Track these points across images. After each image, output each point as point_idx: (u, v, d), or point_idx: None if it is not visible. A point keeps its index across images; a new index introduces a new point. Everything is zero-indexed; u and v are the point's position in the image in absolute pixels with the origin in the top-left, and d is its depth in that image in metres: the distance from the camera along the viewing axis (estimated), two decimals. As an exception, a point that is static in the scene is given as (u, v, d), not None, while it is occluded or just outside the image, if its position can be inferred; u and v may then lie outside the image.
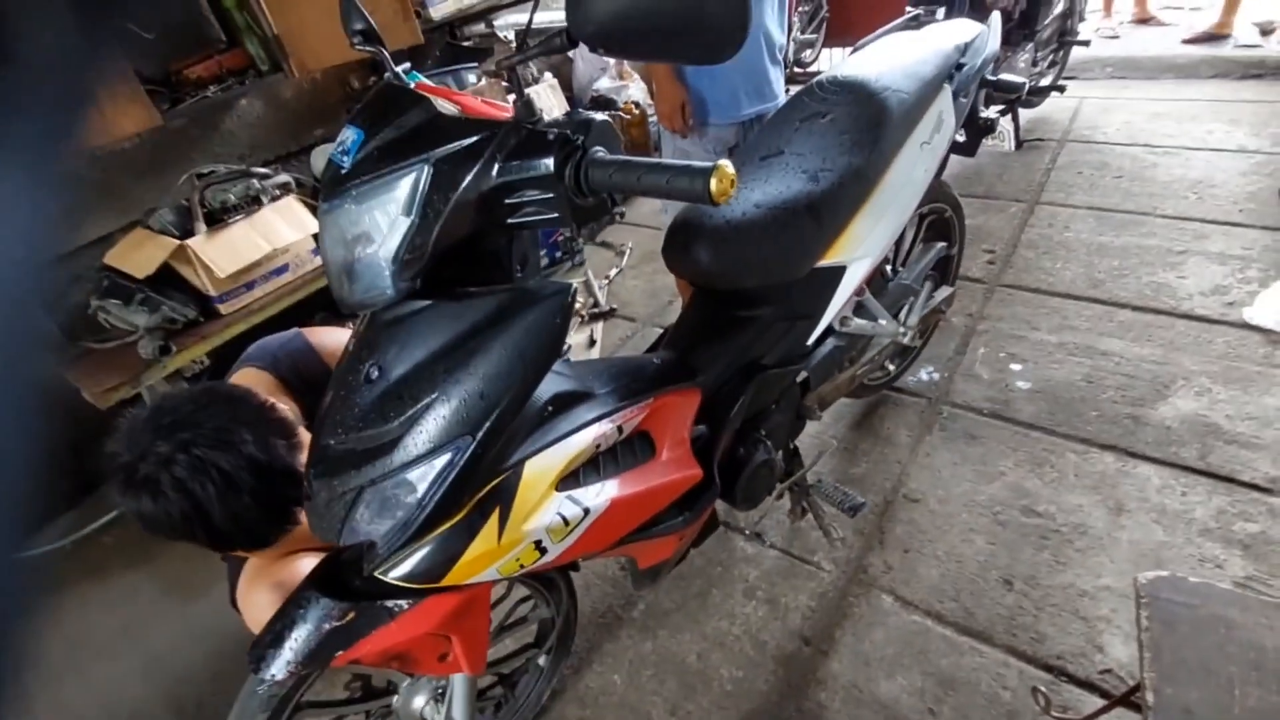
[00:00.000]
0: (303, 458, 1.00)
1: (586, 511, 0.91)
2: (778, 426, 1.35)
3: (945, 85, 1.36)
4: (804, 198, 1.15)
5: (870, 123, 1.20)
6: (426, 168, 0.68)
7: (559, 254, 2.98)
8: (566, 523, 0.89)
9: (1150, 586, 0.85)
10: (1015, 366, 2.03)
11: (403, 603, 0.86)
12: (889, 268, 1.69)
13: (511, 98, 0.72)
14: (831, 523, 1.48)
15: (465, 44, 2.92)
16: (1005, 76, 1.52)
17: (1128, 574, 1.41)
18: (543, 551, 0.89)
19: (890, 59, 1.34)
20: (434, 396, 0.75)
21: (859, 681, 1.36)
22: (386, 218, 0.70)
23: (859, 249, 1.23)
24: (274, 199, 2.15)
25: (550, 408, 0.92)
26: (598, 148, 0.66)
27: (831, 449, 1.45)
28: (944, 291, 1.74)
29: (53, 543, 2.15)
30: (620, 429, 1.01)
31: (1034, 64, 3.13)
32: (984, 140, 1.70)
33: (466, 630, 0.97)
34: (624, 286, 2.84)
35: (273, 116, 2.60)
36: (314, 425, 0.86)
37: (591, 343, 2.46)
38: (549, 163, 0.65)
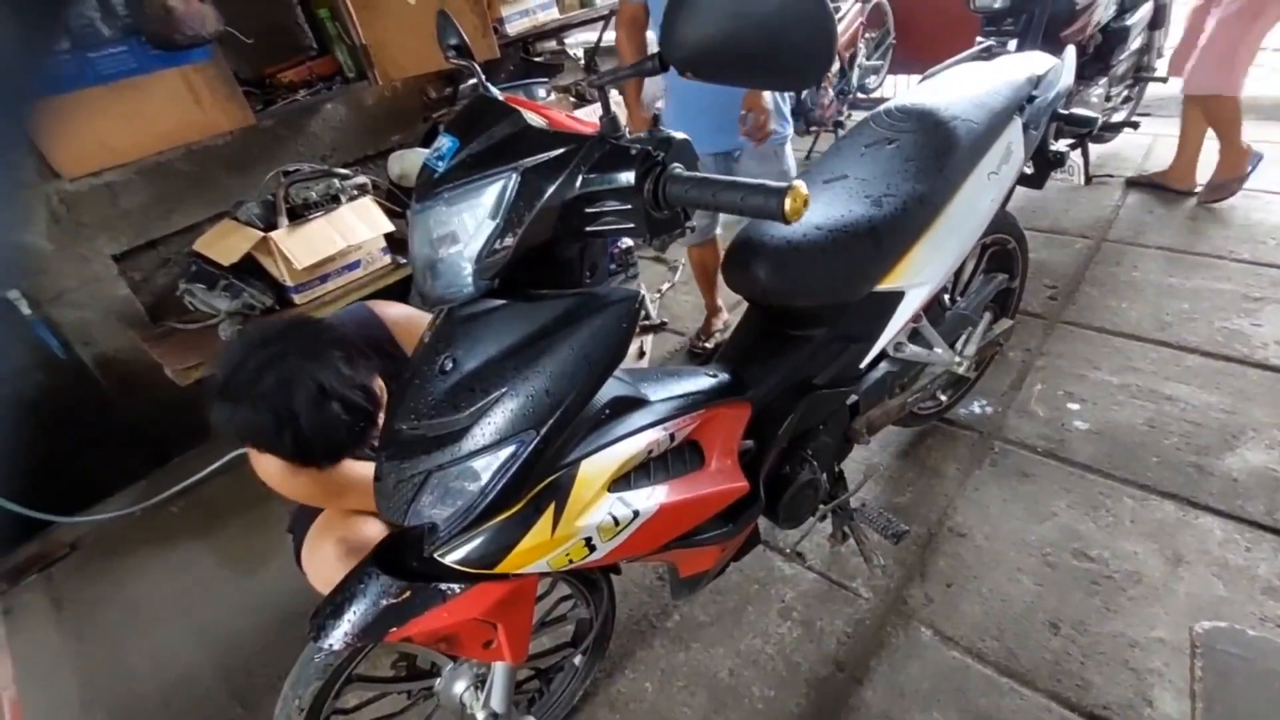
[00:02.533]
0: (376, 388, 1.08)
1: (636, 514, 0.94)
2: (824, 447, 1.35)
3: (1016, 117, 1.35)
4: (865, 221, 1.16)
5: (937, 150, 1.21)
6: (515, 176, 0.73)
7: (614, 266, 3.05)
8: (616, 523, 0.92)
9: (1207, 637, 0.83)
10: (1073, 406, 1.98)
11: (455, 587, 0.91)
12: (947, 296, 1.68)
13: (597, 113, 0.76)
14: (874, 550, 1.47)
15: (537, 59, 3.04)
16: (1078, 111, 1.51)
17: (1183, 627, 1.36)
18: (591, 549, 0.92)
19: (960, 89, 1.35)
20: (503, 391, 0.80)
21: (892, 713, 1.34)
22: (474, 220, 0.75)
23: (918, 275, 1.24)
24: (352, 198, 2.27)
25: (608, 410, 0.96)
26: (676, 164, 0.70)
27: (877, 474, 1.44)
28: (1003, 324, 1.71)
29: (124, 509, 2.30)
30: (672, 436, 1.04)
31: (1107, 98, 3.06)
32: (1052, 174, 1.68)
33: (512, 620, 1.01)
34: (675, 301, 2.87)
35: (355, 121, 2.74)
36: (387, 409, 0.92)
37: (641, 354, 2.50)
38: (630, 176, 0.69)
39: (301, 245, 2.08)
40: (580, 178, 0.73)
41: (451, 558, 0.86)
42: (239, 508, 2.19)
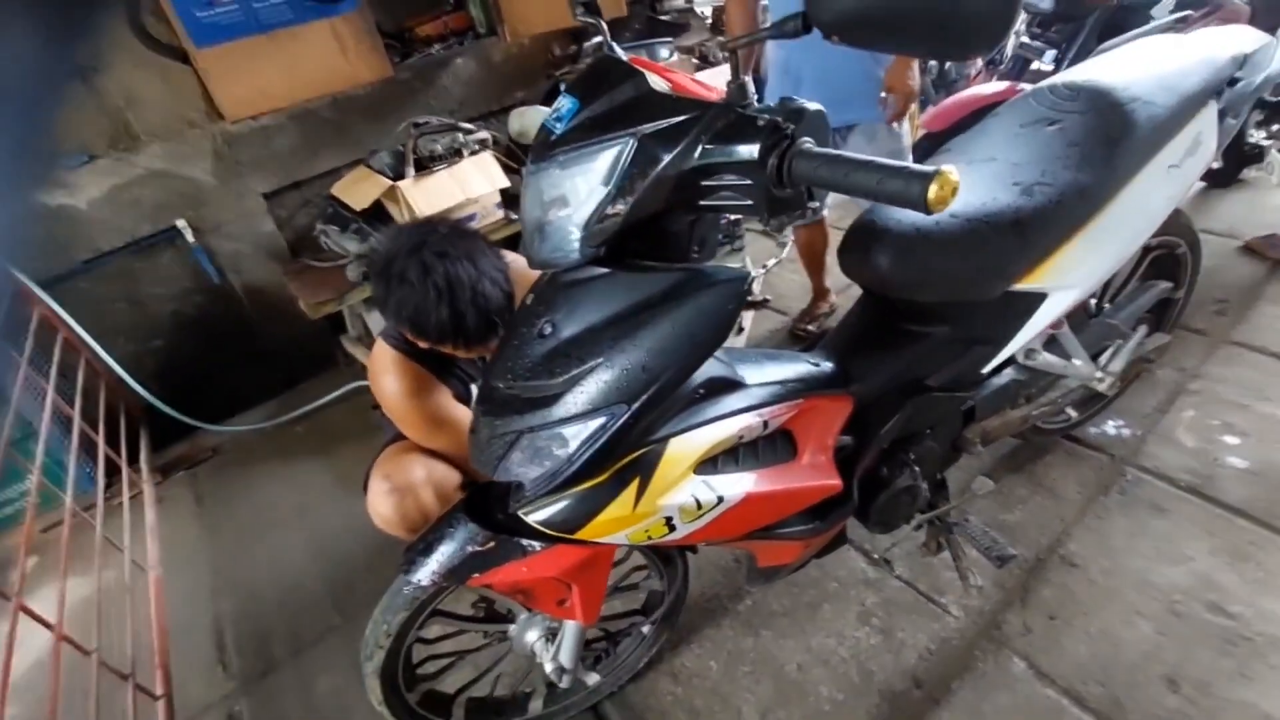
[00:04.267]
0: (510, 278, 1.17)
1: (720, 499, 0.92)
2: (929, 453, 1.26)
3: (1211, 102, 1.16)
4: (1010, 212, 1.04)
5: (1108, 136, 1.06)
6: (632, 142, 0.71)
7: (720, 237, 2.98)
8: (699, 506, 0.91)
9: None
10: (1230, 439, 1.73)
11: (536, 544, 0.93)
12: (1095, 301, 1.50)
13: (724, 77, 0.71)
14: (970, 568, 1.37)
15: (664, 18, 2.96)
16: (1293, 97, 1.27)
17: (1341, 712, 1.17)
18: (671, 529, 0.91)
19: (1145, 65, 1.16)
20: (599, 361, 0.79)
21: (970, 741, 1.26)
22: (586, 185, 0.73)
23: (1067, 278, 1.10)
24: (473, 153, 2.34)
25: (702, 390, 0.93)
26: (806, 139, 0.65)
27: (988, 489, 1.33)
28: (1157, 339, 1.51)
29: (258, 423, 2.56)
30: (766, 424, 1.00)
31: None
32: (1246, 170, 1.44)
33: (586, 583, 1.02)
34: (780, 279, 2.77)
35: (483, 76, 2.81)
36: (486, 365, 0.94)
37: (739, 330, 2.44)
38: (754, 149, 0.65)
39: (424, 195, 2.17)
40: (700, 148, 0.69)
41: (535, 518, 0.88)
42: (354, 435, 2.37)
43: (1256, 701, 1.23)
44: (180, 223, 2.39)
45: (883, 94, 1.65)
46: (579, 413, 0.80)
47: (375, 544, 1.92)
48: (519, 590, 1.03)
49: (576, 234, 0.76)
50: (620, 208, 0.73)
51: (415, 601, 1.04)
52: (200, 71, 2.23)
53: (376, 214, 2.26)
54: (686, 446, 0.91)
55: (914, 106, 3.03)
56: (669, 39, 2.78)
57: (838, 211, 2.75)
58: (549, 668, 1.16)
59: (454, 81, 2.78)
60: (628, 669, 1.40)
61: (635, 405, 0.79)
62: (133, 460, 2.27)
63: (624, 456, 0.86)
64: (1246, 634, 1.33)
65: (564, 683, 1.18)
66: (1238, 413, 1.80)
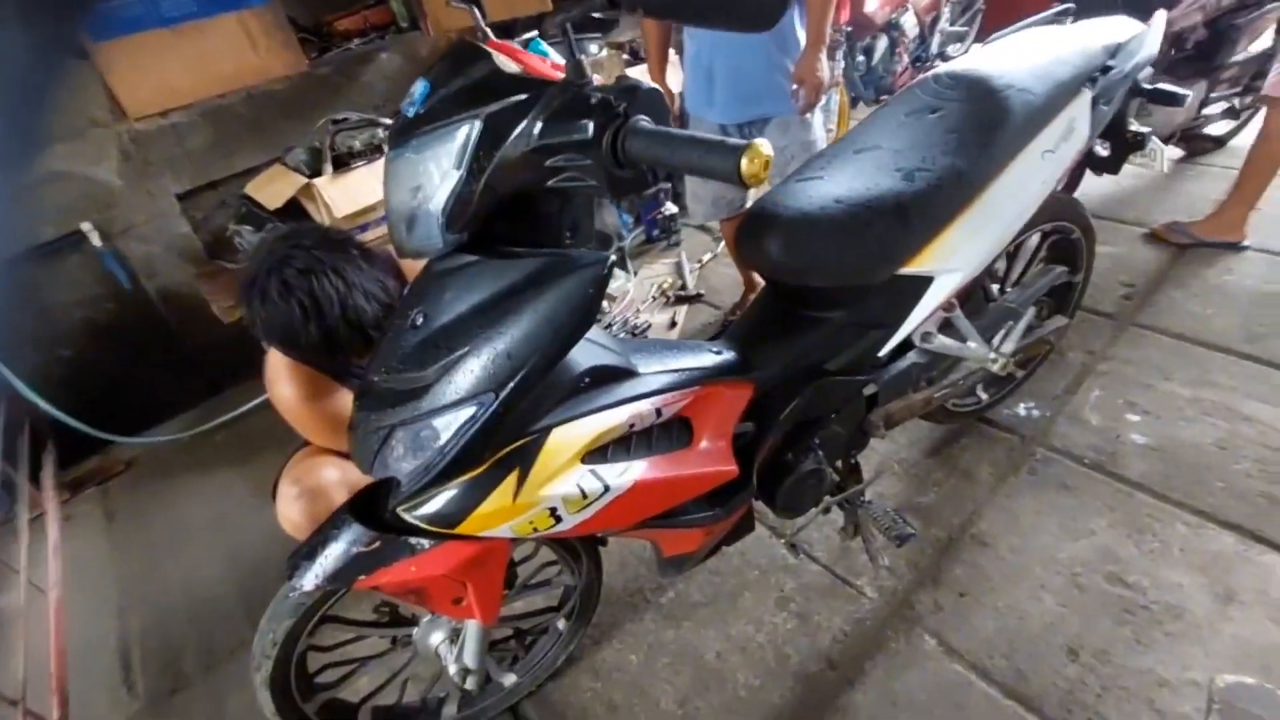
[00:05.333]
0: (392, 286, 1.13)
1: (606, 488, 0.91)
2: (834, 437, 1.28)
3: (1084, 89, 1.20)
4: (893, 197, 1.06)
5: (984, 123, 1.09)
6: (477, 123, 0.69)
7: (657, 232, 2.98)
8: (584, 495, 0.89)
9: (1228, 692, 0.73)
10: (1133, 417, 1.80)
11: (425, 542, 0.90)
12: (996, 287, 1.54)
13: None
14: (880, 549, 1.39)
15: (593, 15, 2.95)
16: (1164, 85, 1.32)
17: (1223, 673, 1.23)
18: (557, 519, 0.90)
19: (1023, 55, 1.20)
20: (465, 350, 0.77)
21: None
22: (439, 169, 0.72)
23: (951, 260, 1.13)
24: (393, 149, 2.28)
25: (588, 379, 0.92)
26: (641, 117, 0.64)
27: (900, 470, 1.36)
28: (1056, 322, 1.56)
29: (175, 434, 2.45)
30: (659, 412, 0.99)
31: (1202, 105, 2.59)
32: (1130, 158, 1.50)
33: (481, 580, 1.00)
34: (715, 273, 2.79)
35: (408, 71, 2.75)
36: (369, 360, 0.92)
37: (673, 324, 2.44)
38: (588, 126, 0.64)
39: (343, 193, 2.11)
40: (539, 126, 0.68)
41: (413, 514, 0.85)
42: (275, 442, 2.28)
43: (1153, 667, 1.28)
44: (86, 226, 2.27)
45: (793, 86, 1.67)
46: (449, 402, 0.79)
47: (292, 548, 1.85)
48: (410, 591, 1.00)
49: (437, 221, 0.75)
50: (473, 191, 0.71)
51: (301, 608, 1.01)
52: (100, 67, 2.13)
53: (295, 214, 2.19)
54: (570, 436, 0.89)
55: (843, 99, 3.10)
56: (598, 34, 2.77)
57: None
58: (453, 670, 1.14)
59: (377, 77, 2.71)
60: (545, 667, 1.38)
61: (502, 394, 0.77)
62: (37, 477, 2.15)
63: (501, 447, 0.84)
64: (1143, 603, 1.39)
65: (470, 685, 1.16)
66: (1141, 392, 1.88)
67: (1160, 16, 1.35)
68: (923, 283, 1.14)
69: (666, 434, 1.02)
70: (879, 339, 1.19)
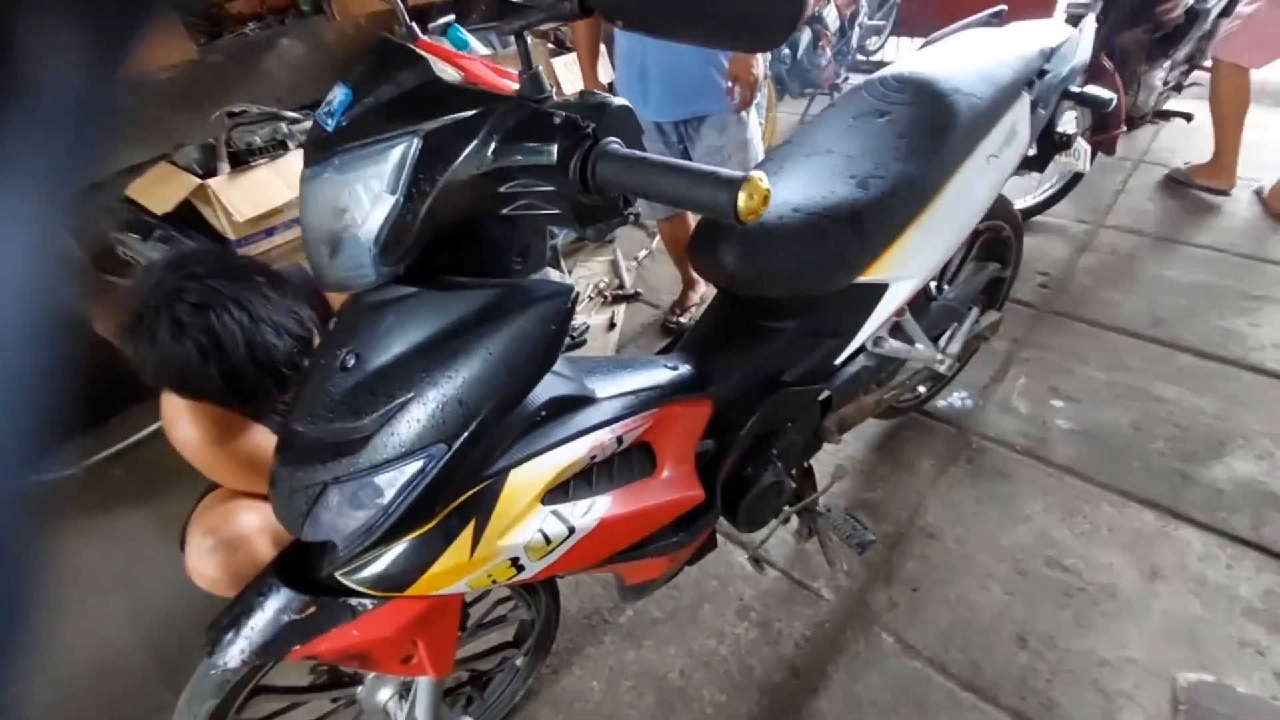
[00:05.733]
0: (306, 317, 1.01)
1: (571, 530, 0.84)
2: (791, 446, 1.26)
3: (1023, 93, 1.22)
4: (848, 205, 1.04)
5: (933, 128, 1.08)
6: (415, 141, 0.60)
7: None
8: (548, 541, 0.82)
9: (1192, 692, 0.75)
10: (1057, 403, 1.90)
11: (367, 602, 0.81)
12: (934, 285, 1.57)
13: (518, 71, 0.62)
14: (837, 552, 1.39)
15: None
16: (1091, 90, 1.37)
17: (1156, 647, 1.30)
18: (519, 569, 0.83)
19: (965, 58, 1.20)
20: (409, 396, 0.68)
21: (847, 724, 1.28)
22: (369, 193, 0.62)
23: (905, 268, 1.12)
24: (300, 145, 2.09)
25: (544, 412, 0.84)
26: (612, 139, 0.57)
27: (845, 475, 1.36)
28: (990, 317, 1.61)
29: (65, 469, 2.17)
30: (620, 439, 0.93)
31: (1164, 83, 2.85)
32: (1056, 157, 1.55)
33: (432, 636, 0.91)
34: (652, 270, 2.74)
35: (312, 60, 2.53)
36: (288, 406, 0.80)
37: (611, 325, 2.38)
38: (552, 150, 0.56)
39: (243, 195, 1.92)
40: (492, 147, 0.59)
41: (355, 580, 0.76)
42: (183, 475, 2.06)
43: (1094, 648, 1.34)
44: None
45: (727, 83, 1.63)
46: (391, 457, 0.69)
47: (211, 603, 1.67)
48: (352, 656, 0.90)
49: (369, 251, 0.65)
50: (412, 220, 0.62)
51: (226, 685, 0.89)
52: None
53: (189, 219, 1.97)
54: (529, 477, 0.82)
55: (770, 94, 3.10)
56: (520, 20, 2.64)
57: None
58: (404, 727, 1.04)
59: (278, 65, 2.48)
60: (504, 704, 1.30)
61: (455, 445, 0.69)
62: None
63: (455, 497, 0.76)
64: (1080, 584, 1.45)
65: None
66: (1063, 378, 1.97)
67: (1089, 21, 1.40)
68: (878, 290, 1.12)
69: (628, 463, 0.96)
70: (835, 347, 1.17)
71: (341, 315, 0.76)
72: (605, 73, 2.06)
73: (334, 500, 0.72)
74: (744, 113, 1.75)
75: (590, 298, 2.53)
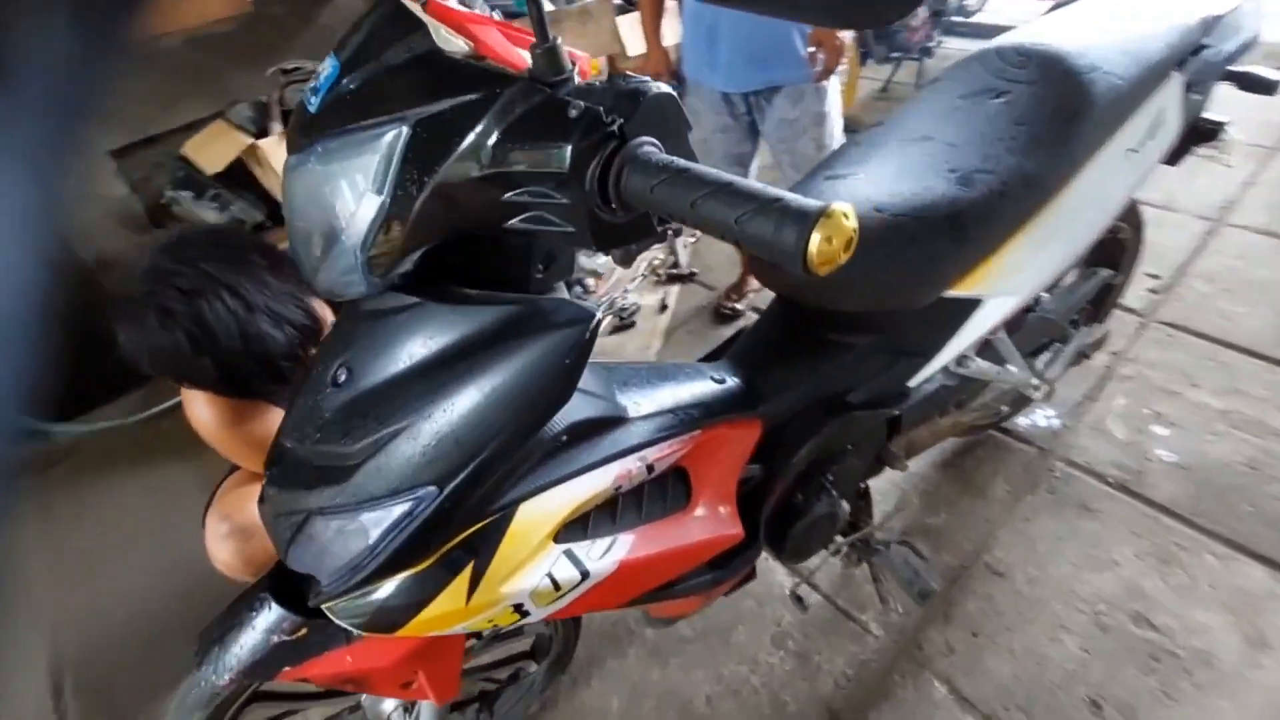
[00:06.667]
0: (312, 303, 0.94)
1: (585, 575, 0.74)
2: (849, 471, 1.12)
3: (1174, 73, 1.00)
4: (946, 204, 0.87)
5: (1062, 114, 0.88)
6: (403, 130, 0.48)
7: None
8: (557, 587, 0.72)
9: None
10: (1160, 430, 1.66)
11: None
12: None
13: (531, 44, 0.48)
14: (890, 591, 1.25)
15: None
16: (1255, 70, 1.12)
17: (1262, 735, 1.12)
18: (524, 614, 0.73)
19: (1105, 28, 0.99)
20: (401, 426, 0.58)
21: (887, 778, 1.16)
22: (353, 191, 0.51)
23: (1008, 282, 0.94)
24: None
25: (565, 437, 0.73)
26: (646, 140, 0.44)
27: (912, 507, 1.22)
28: (1094, 332, 1.40)
29: (117, 420, 2.23)
30: (650, 467, 0.81)
31: None
32: (1194, 149, 1.30)
33: (434, 666, 0.84)
34: (709, 248, 2.57)
35: (369, 13, 2.44)
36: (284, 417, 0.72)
37: (663, 307, 2.25)
38: (565, 152, 0.43)
39: (291, 157, 1.86)
40: (491, 144, 0.47)
41: (339, 617, 0.68)
42: (227, 432, 2.09)
43: (1179, 723, 1.17)
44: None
45: (810, 48, 1.44)
46: (378, 494, 0.60)
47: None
48: (347, 680, 0.83)
49: (356, 259, 0.54)
50: (399, 229, 0.51)
51: (217, 697, 0.84)
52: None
53: (238, 178, 1.93)
54: (541, 511, 0.71)
55: (853, 58, 2.83)
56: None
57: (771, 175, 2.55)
58: (408, 745, 0.99)
59: (338, 19, 2.40)
60: (516, 717, 1.24)
61: (447, 488, 0.59)
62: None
63: (454, 534, 0.66)
64: (1171, 648, 1.27)
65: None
66: (1168, 401, 1.73)
67: None
68: (970, 306, 0.95)
69: (660, 492, 0.85)
70: (911, 367, 1.01)
71: (339, 321, 0.67)
72: (674, 33, 1.87)
73: (318, 532, 0.64)
74: (824, 83, 1.56)
75: (643, 275, 2.39)
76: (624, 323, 2.17)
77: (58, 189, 0.23)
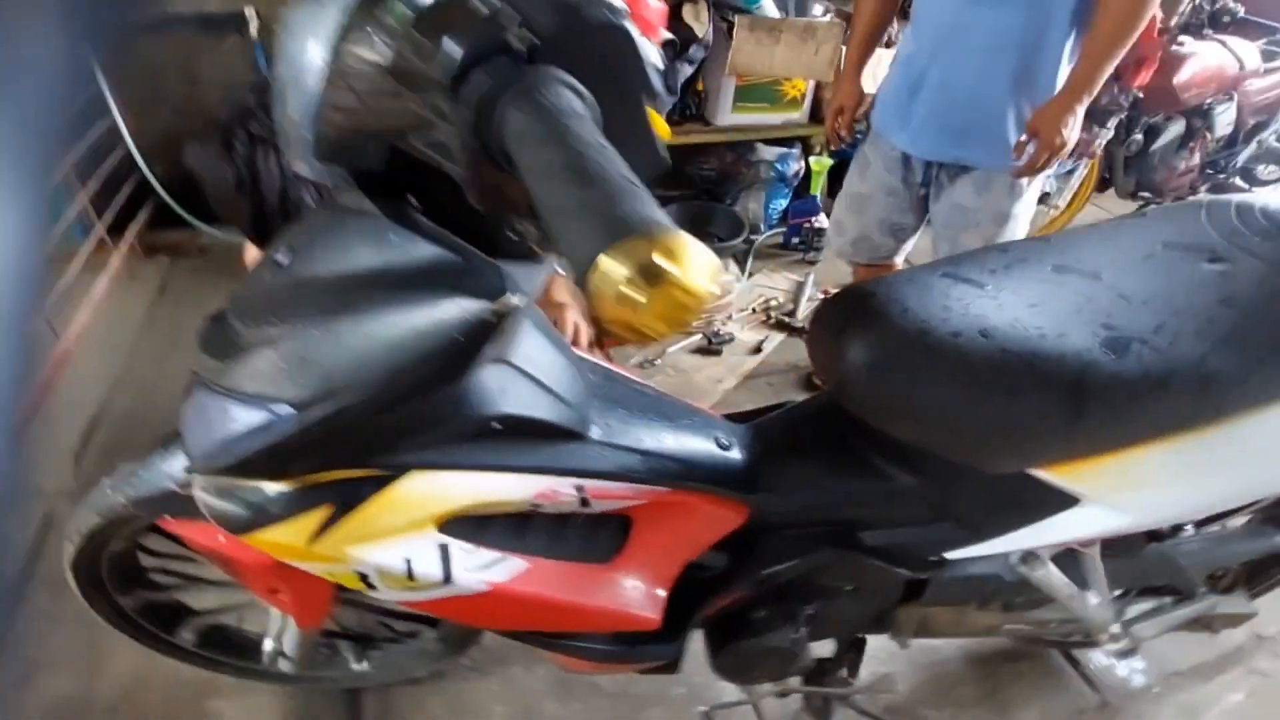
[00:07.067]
0: None
1: (447, 579, 0.64)
2: (836, 616, 0.93)
3: None
4: (1077, 364, 0.66)
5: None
6: None
7: (797, 240, 2.57)
8: (411, 578, 0.63)
9: None
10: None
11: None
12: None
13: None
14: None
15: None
16: None
17: None
18: (370, 588, 0.65)
19: None
20: (284, 332, 0.51)
21: None
22: (303, 51, 0.44)
23: (1124, 495, 0.71)
24: None
25: (497, 425, 0.63)
26: (560, 77, 0.32)
27: (912, 688, 0.99)
28: (1236, 603, 1.07)
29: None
30: (585, 500, 0.69)
31: None
32: None
33: (299, 588, 0.78)
34: (838, 314, 2.35)
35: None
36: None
37: (757, 350, 2.08)
38: (455, 57, 0.32)
39: None
40: (401, 21, 0.37)
41: (197, 496, 0.63)
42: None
43: None
44: (249, 11, 2.24)
45: (1023, 136, 1.21)
46: (245, 391, 0.54)
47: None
48: (219, 560, 0.80)
49: (302, 133, 0.47)
50: (341, 109, 0.43)
51: (112, 513, 0.84)
52: None
53: None
54: (433, 489, 0.62)
55: (1091, 177, 2.44)
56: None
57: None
58: (268, 646, 0.95)
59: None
60: (400, 672, 1.17)
61: (304, 417, 0.51)
62: (123, 229, 2.21)
63: (325, 468, 0.59)
64: None
65: (283, 668, 0.97)
66: None
67: None
68: (1061, 500, 0.73)
69: (585, 533, 0.73)
70: (953, 539, 0.80)
71: (318, 206, 0.62)
72: (872, 84, 1.65)
73: (197, 399, 0.59)
74: (1023, 181, 1.32)
75: (753, 310, 2.23)
76: (710, 348, 2.03)
77: (44, 187, 0.23)
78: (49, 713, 1.13)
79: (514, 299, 0.50)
